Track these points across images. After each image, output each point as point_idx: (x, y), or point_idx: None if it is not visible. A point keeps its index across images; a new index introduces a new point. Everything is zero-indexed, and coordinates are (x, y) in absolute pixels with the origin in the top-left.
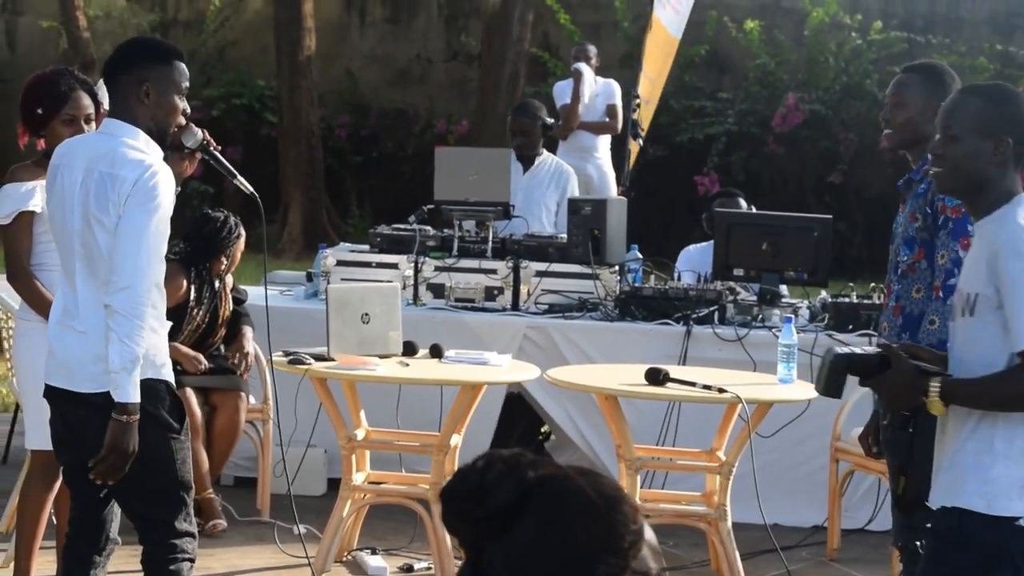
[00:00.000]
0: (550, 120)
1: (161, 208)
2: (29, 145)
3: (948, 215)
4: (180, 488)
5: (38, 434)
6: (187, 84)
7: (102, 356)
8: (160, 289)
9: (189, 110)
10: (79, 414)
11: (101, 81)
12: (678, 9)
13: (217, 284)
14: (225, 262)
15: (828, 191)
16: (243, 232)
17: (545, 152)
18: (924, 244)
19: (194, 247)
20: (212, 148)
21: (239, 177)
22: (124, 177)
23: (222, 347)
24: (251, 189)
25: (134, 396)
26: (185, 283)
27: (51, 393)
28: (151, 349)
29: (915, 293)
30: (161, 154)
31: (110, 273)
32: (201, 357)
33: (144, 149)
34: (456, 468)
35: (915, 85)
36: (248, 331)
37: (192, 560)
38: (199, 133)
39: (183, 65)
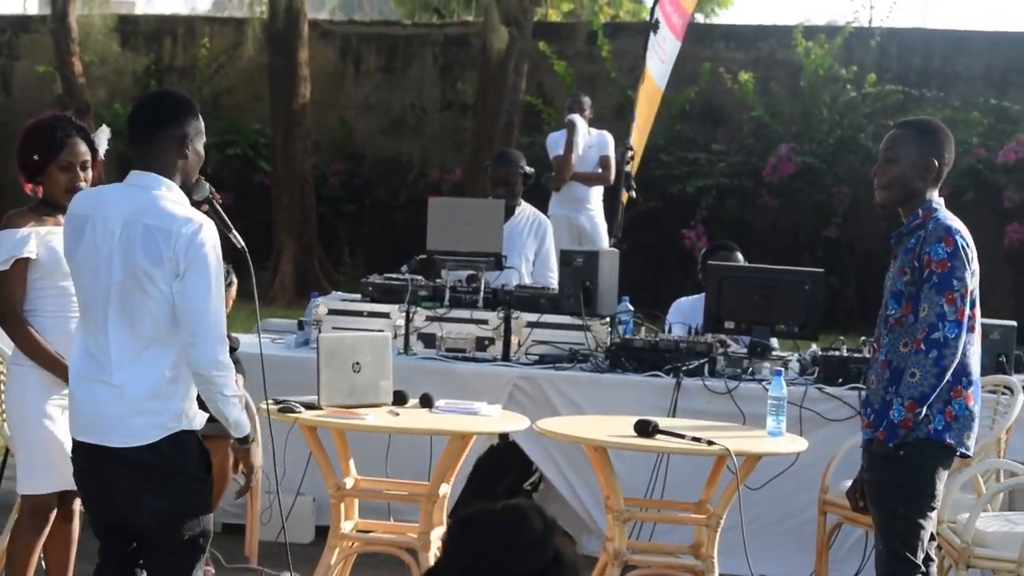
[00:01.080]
0: (530, 169)
1: (218, 260)
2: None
3: (933, 268)
4: (204, 536)
5: (30, 479)
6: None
7: (145, 410)
8: None
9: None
10: (113, 470)
11: (103, 128)
12: (663, 59)
13: None
14: None
15: (821, 244)
16: (235, 280)
17: (523, 202)
18: (912, 298)
19: None
20: (216, 201)
21: (234, 232)
22: (177, 233)
23: None
24: (242, 244)
25: (248, 427)
26: None
27: (81, 449)
28: (186, 402)
29: (902, 347)
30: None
31: (188, 340)
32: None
33: (181, 201)
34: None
35: (908, 141)
36: (239, 379)
37: None
38: (207, 186)
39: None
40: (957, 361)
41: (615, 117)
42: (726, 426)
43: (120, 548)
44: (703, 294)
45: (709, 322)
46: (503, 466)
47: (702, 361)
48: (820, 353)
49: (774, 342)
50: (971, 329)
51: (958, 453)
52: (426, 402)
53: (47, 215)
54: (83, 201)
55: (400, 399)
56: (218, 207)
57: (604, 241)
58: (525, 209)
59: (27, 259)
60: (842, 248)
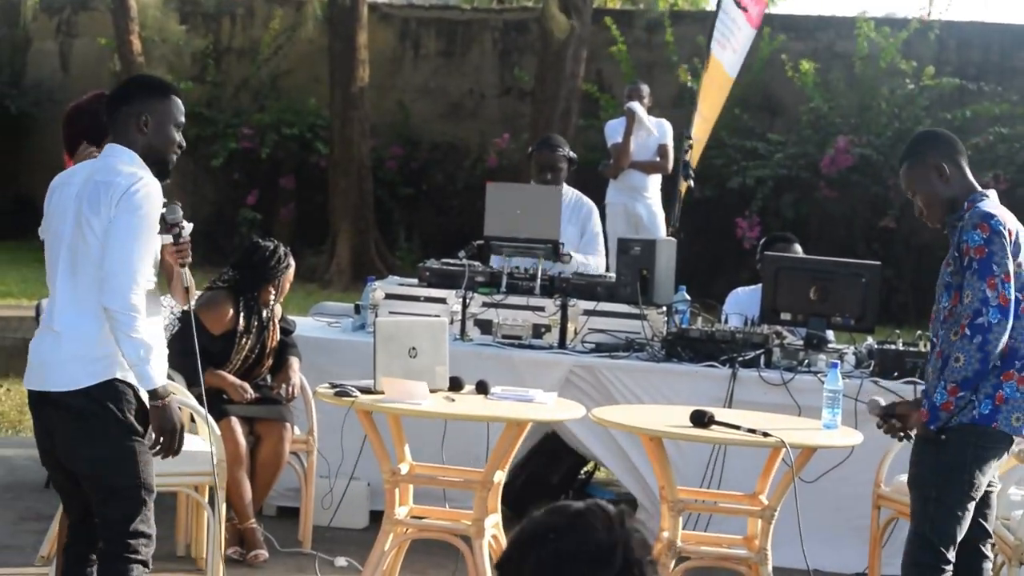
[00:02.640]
0: (573, 155)
1: (150, 215)
2: (53, 163)
3: (972, 255)
4: (141, 489)
5: None
6: (183, 119)
7: (79, 356)
8: (151, 294)
9: (184, 144)
10: (52, 416)
11: None
12: (736, 49)
13: (265, 313)
14: (273, 292)
15: (876, 237)
16: (292, 262)
17: (566, 186)
18: (959, 289)
19: (243, 276)
20: (181, 231)
21: (187, 269)
22: (117, 183)
23: (268, 377)
24: (191, 282)
25: (159, 380)
26: (232, 311)
27: (31, 399)
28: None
29: (952, 336)
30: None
31: (103, 277)
32: (247, 386)
33: (133, 165)
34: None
35: (908, 172)
36: (295, 362)
37: (145, 563)
38: (179, 212)
39: (179, 101)
40: (1003, 345)
41: (674, 105)
42: (782, 418)
43: (78, 501)
44: (759, 285)
45: (765, 313)
46: (557, 455)
47: (758, 352)
48: (876, 346)
49: (830, 334)
50: (1022, 312)
51: (1008, 434)
52: (482, 388)
53: None
54: (60, 176)
55: (456, 385)
56: (183, 236)
57: (661, 230)
58: (568, 193)
59: None
60: (897, 241)
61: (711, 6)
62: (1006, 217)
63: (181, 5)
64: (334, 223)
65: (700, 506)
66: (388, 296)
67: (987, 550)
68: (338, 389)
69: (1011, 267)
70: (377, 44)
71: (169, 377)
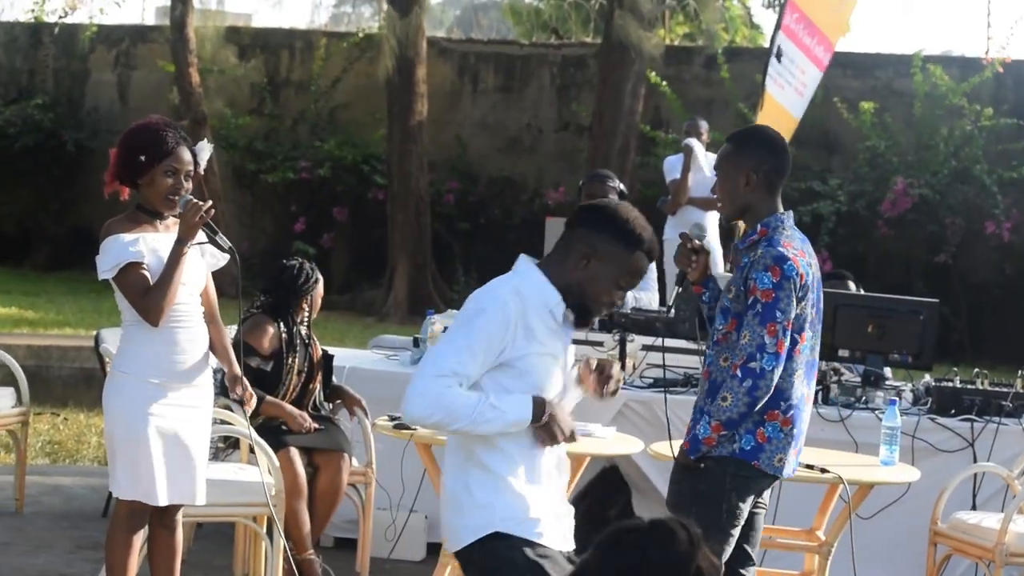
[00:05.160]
0: (623, 188)
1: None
2: (113, 195)
3: (758, 297)
4: None
5: (127, 484)
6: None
7: None
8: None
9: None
10: None
11: (206, 143)
12: (802, 92)
13: (304, 331)
14: (306, 307)
15: (933, 274)
16: (320, 277)
17: None
18: (737, 316)
19: (276, 297)
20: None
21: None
22: None
23: (327, 405)
24: (229, 245)
25: None
26: (273, 331)
27: None
28: None
29: (722, 362)
30: None
31: None
32: (306, 416)
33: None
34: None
35: (726, 157)
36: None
37: None
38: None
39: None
40: (772, 389)
41: None
42: (839, 454)
43: None
44: None
45: (823, 350)
46: (615, 490)
47: (816, 389)
48: (933, 383)
49: (887, 371)
50: (795, 354)
51: (770, 474)
52: None
53: (145, 222)
54: None
55: None
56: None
57: (720, 266)
58: None
59: (137, 264)
60: (954, 279)
61: (765, 43)
62: (799, 258)
63: (239, 37)
64: (392, 257)
65: None
66: (446, 329)
67: (747, 574)
68: (397, 422)
69: (793, 313)
70: (436, 78)
71: (229, 409)
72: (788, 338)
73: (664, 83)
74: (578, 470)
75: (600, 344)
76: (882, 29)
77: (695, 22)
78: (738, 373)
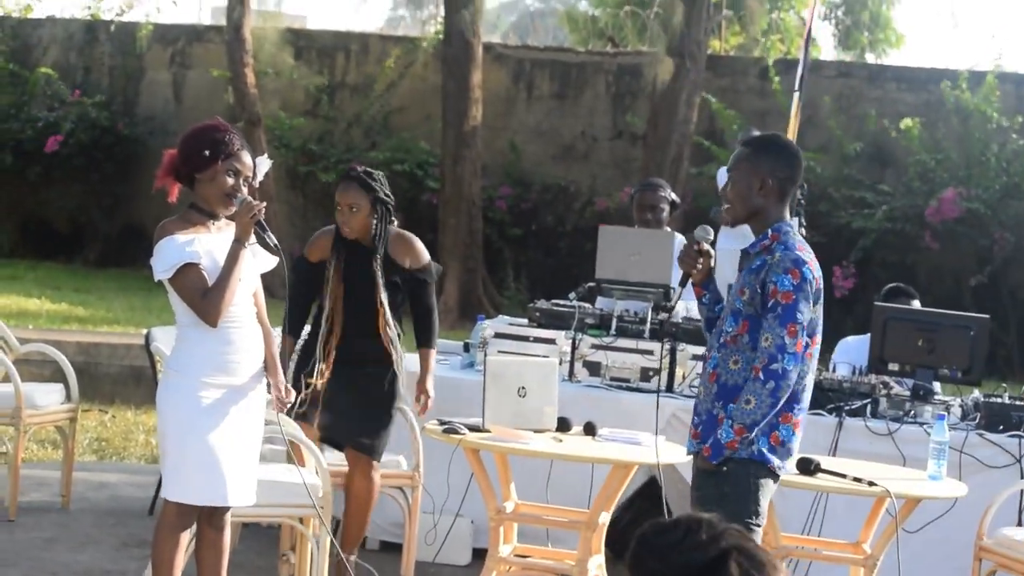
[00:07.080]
0: (675, 197)
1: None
2: (165, 194)
3: (778, 299)
4: None
5: (175, 486)
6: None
7: None
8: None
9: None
10: None
11: (264, 157)
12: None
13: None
14: (343, 209)
15: (982, 289)
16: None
17: (676, 233)
18: (749, 319)
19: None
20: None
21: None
22: None
23: (395, 327)
24: (275, 242)
25: None
26: (329, 243)
27: None
28: None
29: (732, 364)
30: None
31: None
32: (291, 392)
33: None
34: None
35: (740, 163)
36: (432, 357)
37: None
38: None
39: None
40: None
41: None
42: (886, 468)
43: None
44: (869, 334)
45: (873, 363)
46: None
47: (865, 402)
48: (982, 399)
49: (936, 386)
50: (808, 357)
51: (779, 476)
52: (589, 430)
53: (199, 222)
54: None
55: (564, 426)
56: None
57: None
58: (677, 239)
59: (194, 264)
60: (1003, 294)
61: (821, 55)
62: (814, 263)
63: (295, 39)
64: (443, 261)
65: (803, 552)
66: (497, 335)
67: None
68: (446, 426)
69: (809, 316)
70: (491, 84)
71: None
72: (805, 339)
73: (714, 100)
74: (625, 478)
75: (650, 353)
76: (936, 44)
77: (748, 33)
78: (761, 376)
